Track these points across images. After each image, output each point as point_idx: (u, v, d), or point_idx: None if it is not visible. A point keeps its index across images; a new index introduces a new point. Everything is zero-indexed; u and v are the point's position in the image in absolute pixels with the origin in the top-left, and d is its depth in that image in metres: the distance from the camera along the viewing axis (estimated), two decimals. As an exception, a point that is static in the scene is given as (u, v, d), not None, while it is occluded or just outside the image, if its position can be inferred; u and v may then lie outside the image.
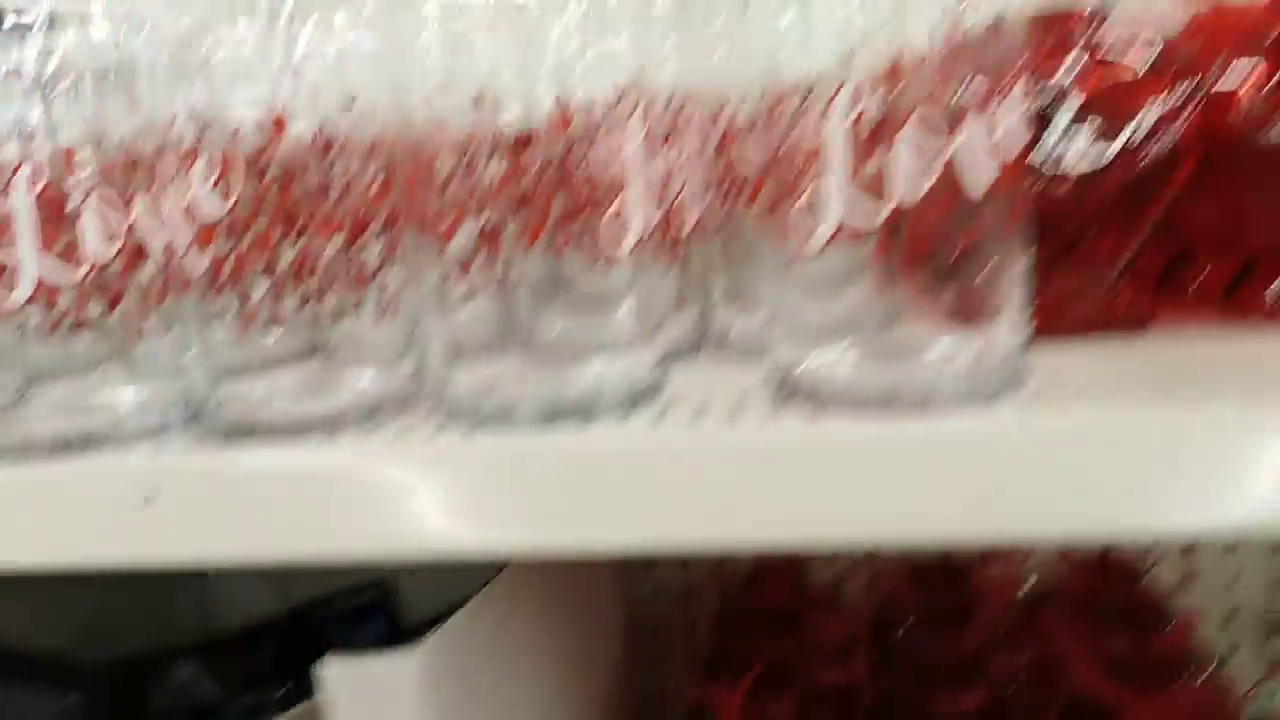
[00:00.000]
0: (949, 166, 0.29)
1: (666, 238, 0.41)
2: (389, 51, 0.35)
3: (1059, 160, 0.36)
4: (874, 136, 0.29)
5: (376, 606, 0.55)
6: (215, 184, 0.31)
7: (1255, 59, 0.37)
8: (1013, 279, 0.32)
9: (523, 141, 0.34)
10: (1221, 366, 0.34)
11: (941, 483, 0.30)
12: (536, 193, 0.34)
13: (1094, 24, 0.38)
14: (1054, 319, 0.38)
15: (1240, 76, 0.37)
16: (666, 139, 0.41)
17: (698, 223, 0.41)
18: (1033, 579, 0.61)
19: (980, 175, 0.29)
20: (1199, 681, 0.50)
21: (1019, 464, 0.29)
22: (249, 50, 0.36)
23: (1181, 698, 0.48)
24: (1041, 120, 0.37)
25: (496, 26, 0.34)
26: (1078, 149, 0.37)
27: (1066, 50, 0.37)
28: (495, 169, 0.34)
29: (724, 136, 0.39)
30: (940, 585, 0.61)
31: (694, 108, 0.39)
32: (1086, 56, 0.37)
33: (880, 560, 0.64)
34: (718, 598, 0.63)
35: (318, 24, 0.36)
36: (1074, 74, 0.37)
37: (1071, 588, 0.60)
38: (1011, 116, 0.29)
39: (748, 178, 0.37)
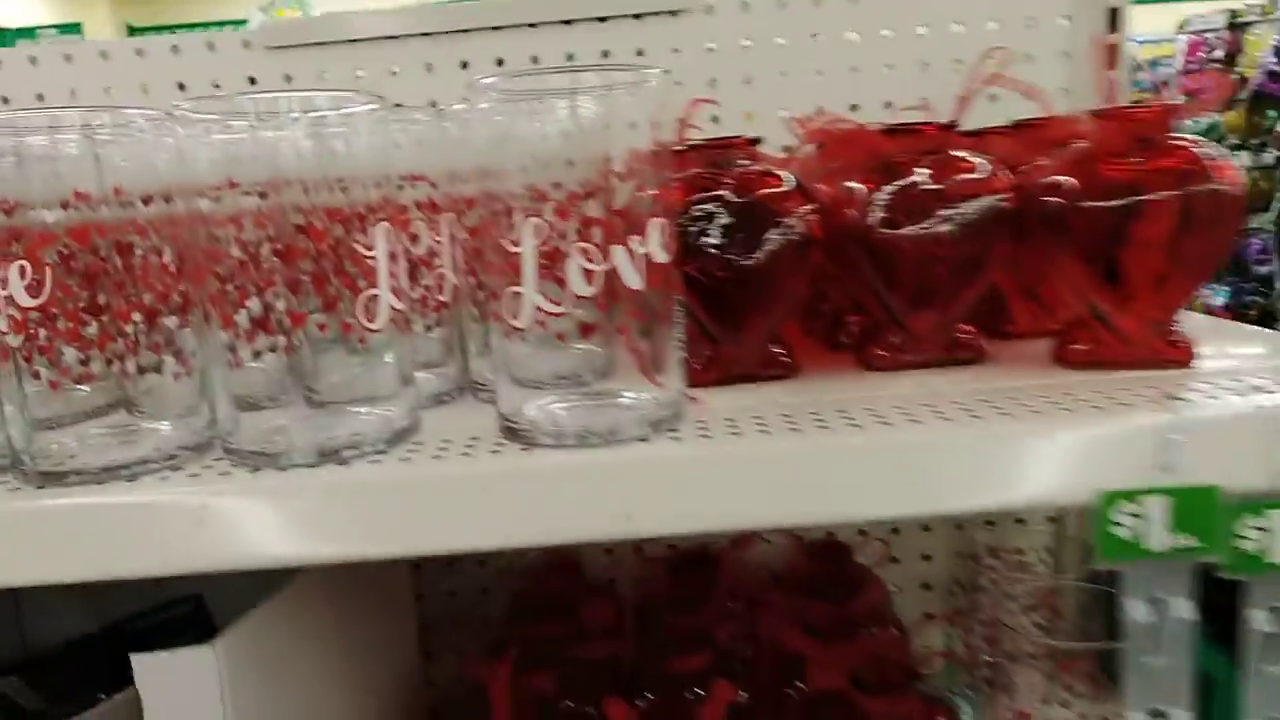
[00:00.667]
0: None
1: (429, 304, 0.50)
2: (186, 151, 0.42)
3: (722, 249, 0.48)
4: (555, 252, 0.40)
5: (188, 619, 0.61)
6: (27, 282, 0.38)
7: (866, 175, 0.50)
8: (675, 345, 0.43)
9: (300, 230, 0.42)
10: (855, 400, 0.46)
11: (625, 493, 0.40)
12: (312, 274, 0.42)
13: (750, 146, 0.50)
14: (727, 370, 0.50)
15: (856, 189, 0.50)
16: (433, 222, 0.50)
17: (454, 292, 0.50)
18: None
19: (635, 277, 0.40)
20: (876, 635, 0.63)
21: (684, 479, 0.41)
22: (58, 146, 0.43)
23: (859, 647, 0.61)
24: (710, 219, 0.48)
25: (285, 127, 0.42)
26: (737, 241, 0.48)
27: (727, 166, 0.49)
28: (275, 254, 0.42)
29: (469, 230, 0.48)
30: (691, 572, 0.73)
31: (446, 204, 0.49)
32: (744, 170, 0.49)
33: (645, 555, 0.76)
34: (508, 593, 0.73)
35: (120, 125, 0.44)
36: (733, 184, 0.49)
37: (796, 567, 0.73)
38: (659, 230, 0.41)
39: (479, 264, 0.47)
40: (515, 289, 0.41)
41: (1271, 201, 2.25)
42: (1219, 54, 2.55)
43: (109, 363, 0.43)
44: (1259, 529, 0.42)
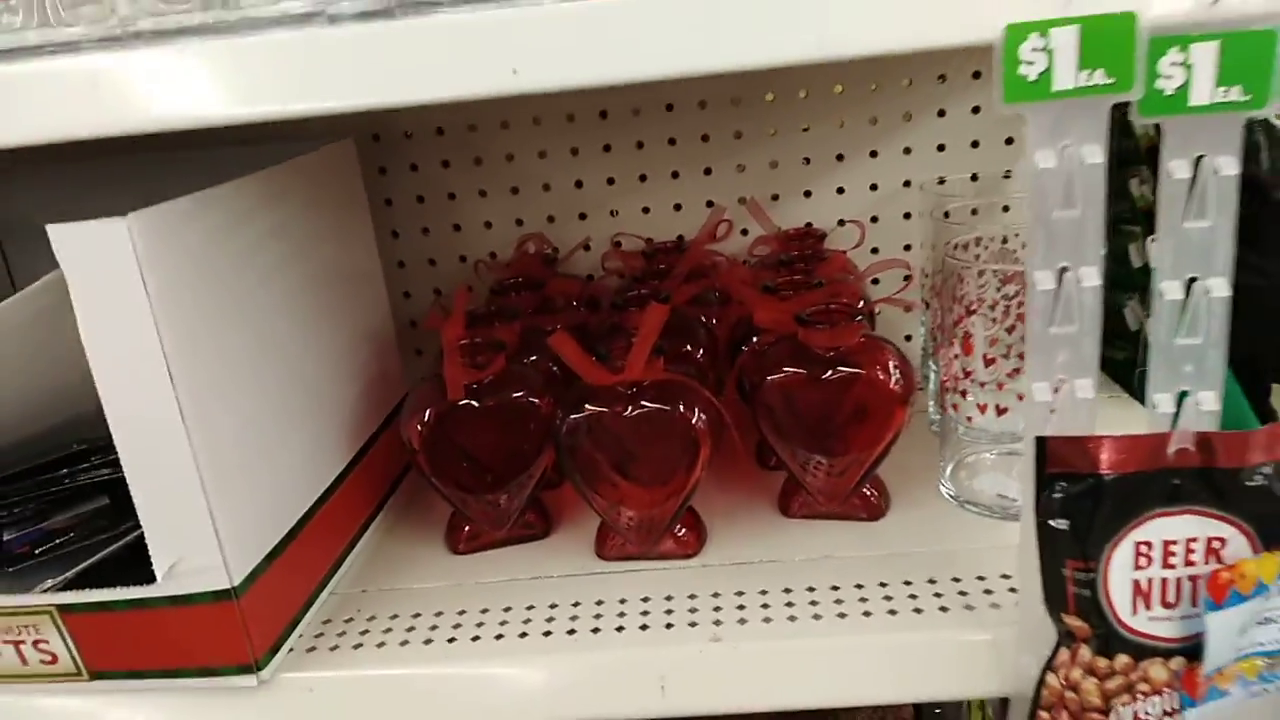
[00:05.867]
0: None
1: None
2: None
3: None
4: None
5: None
6: None
7: None
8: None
9: None
10: None
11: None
12: None
13: None
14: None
15: None
16: None
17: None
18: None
19: None
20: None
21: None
22: None
23: (800, 300, 0.60)
24: None
25: None
26: None
27: None
28: None
29: None
30: (664, 257, 0.73)
31: None
32: None
33: (623, 250, 0.76)
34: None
35: None
36: None
37: (768, 249, 0.73)
38: None
39: None
40: None
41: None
42: None
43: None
44: (1181, 65, 0.39)
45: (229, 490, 0.48)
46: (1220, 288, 0.41)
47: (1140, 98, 0.39)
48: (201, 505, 0.46)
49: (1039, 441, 0.42)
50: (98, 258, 0.43)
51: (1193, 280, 0.41)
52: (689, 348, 0.63)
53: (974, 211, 0.74)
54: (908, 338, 0.78)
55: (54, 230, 0.43)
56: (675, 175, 0.75)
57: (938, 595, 0.50)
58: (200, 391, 0.46)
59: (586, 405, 0.54)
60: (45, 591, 0.50)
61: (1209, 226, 0.40)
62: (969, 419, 0.59)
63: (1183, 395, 0.42)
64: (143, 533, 0.47)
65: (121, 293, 0.43)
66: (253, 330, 0.51)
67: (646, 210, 0.77)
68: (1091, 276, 0.41)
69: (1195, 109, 0.39)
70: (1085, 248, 0.41)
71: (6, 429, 0.56)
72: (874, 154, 0.74)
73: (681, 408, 0.53)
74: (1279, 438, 0.42)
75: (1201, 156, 0.40)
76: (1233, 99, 0.38)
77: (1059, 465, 0.42)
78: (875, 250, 0.76)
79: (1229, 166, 0.40)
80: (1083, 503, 0.42)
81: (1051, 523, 0.43)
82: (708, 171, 0.75)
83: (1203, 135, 0.39)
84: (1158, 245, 0.41)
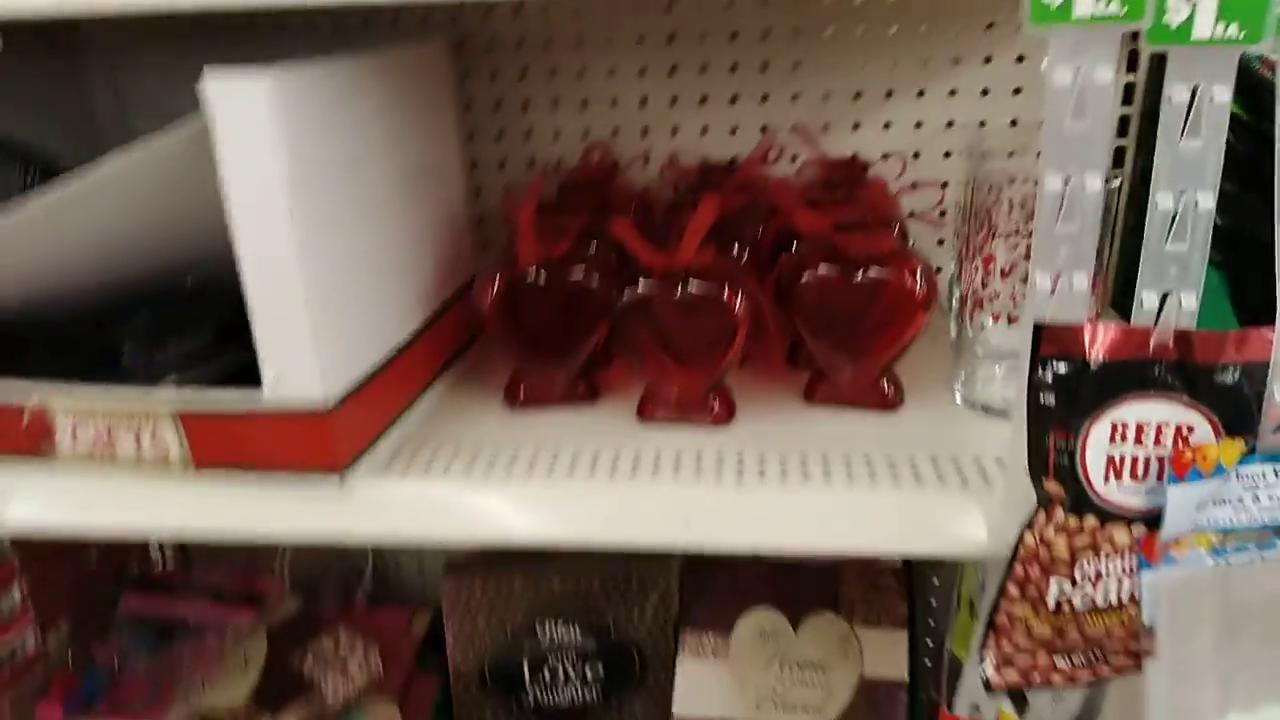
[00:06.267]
0: None
1: None
2: None
3: None
4: None
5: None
6: None
7: None
8: None
9: None
10: None
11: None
12: None
13: None
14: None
15: None
16: None
17: None
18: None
19: None
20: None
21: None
22: None
23: (840, 212, 0.66)
24: None
25: None
26: None
27: None
28: None
29: None
30: (718, 173, 0.79)
31: None
32: None
33: (678, 166, 0.83)
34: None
35: None
36: None
37: (813, 174, 0.79)
38: None
39: None
40: None
41: None
42: None
43: None
44: (1186, 1, 0.44)
45: (329, 321, 0.55)
46: (1206, 200, 0.47)
47: (1149, 27, 0.44)
48: (307, 328, 0.54)
49: (1036, 325, 0.49)
50: (240, 105, 0.51)
51: (1183, 193, 0.47)
52: (734, 252, 0.70)
53: (1010, 154, 0.79)
54: (938, 269, 0.83)
55: (207, 80, 0.50)
56: (734, 100, 0.82)
57: (937, 470, 0.57)
58: (313, 234, 0.54)
59: (641, 283, 0.61)
60: (166, 392, 0.58)
61: (1201, 146, 0.46)
62: (983, 330, 0.65)
63: (1166, 295, 0.48)
64: (243, 363, 0.56)
65: (257, 136, 0.51)
66: (355, 190, 0.59)
67: (704, 131, 0.83)
68: (1094, 182, 0.47)
69: (1197, 42, 0.44)
70: (1091, 156, 0.47)
71: (133, 260, 0.64)
72: (921, 93, 0.80)
73: (726, 290, 0.60)
74: (1248, 340, 0.48)
75: (1199, 85, 0.45)
76: (1230, 35, 0.44)
77: (1053, 347, 0.49)
78: (914, 185, 0.81)
79: (1222, 95, 0.45)
80: (1069, 382, 0.49)
81: (1041, 397, 0.49)
82: (764, 98, 0.81)
83: (1202, 66, 0.45)
84: (1156, 161, 0.47)
